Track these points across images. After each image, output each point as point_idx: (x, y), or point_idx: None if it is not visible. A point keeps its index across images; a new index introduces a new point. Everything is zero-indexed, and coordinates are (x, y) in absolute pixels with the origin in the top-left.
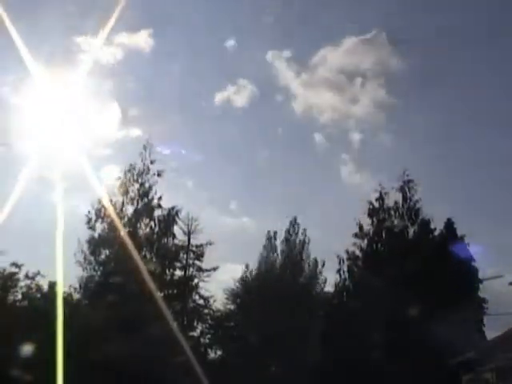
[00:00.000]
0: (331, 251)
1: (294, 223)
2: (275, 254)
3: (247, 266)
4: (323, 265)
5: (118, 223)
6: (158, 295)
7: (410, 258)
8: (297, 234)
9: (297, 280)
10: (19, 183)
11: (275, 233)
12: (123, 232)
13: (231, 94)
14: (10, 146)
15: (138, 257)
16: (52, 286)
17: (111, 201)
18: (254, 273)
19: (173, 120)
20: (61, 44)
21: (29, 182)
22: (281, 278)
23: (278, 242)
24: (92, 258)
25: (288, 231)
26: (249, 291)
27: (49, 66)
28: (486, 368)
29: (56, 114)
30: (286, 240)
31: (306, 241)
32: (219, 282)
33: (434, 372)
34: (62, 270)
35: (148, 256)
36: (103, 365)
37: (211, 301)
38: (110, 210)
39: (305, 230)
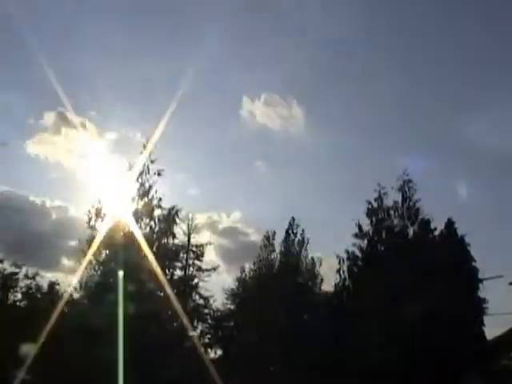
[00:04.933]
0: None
1: (292, 223)
2: (273, 255)
3: (243, 269)
4: (320, 264)
5: (120, 222)
6: (159, 294)
7: (410, 257)
8: (295, 233)
9: (295, 279)
10: None
11: (274, 233)
12: (124, 231)
13: None
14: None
15: (139, 256)
16: (52, 285)
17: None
18: (251, 273)
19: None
20: None
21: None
22: (279, 277)
23: (277, 242)
24: (92, 258)
25: (287, 231)
26: (247, 291)
27: None
28: (487, 368)
29: None
30: (285, 240)
31: (305, 241)
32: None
33: (435, 372)
34: None
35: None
36: (105, 364)
37: (211, 301)
38: (111, 210)
39: (303, 230)
